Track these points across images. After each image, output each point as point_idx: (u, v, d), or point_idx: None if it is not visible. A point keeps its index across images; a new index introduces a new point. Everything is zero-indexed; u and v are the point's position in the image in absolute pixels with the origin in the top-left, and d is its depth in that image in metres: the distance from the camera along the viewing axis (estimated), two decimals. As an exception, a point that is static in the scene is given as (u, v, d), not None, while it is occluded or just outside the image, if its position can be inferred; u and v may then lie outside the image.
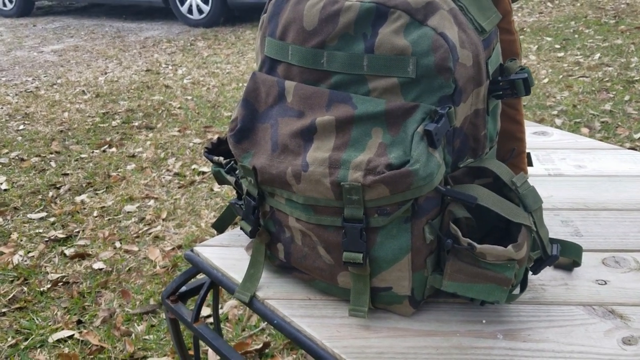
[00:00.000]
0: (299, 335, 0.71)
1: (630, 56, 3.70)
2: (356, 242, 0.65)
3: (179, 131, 2.96)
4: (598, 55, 3.77)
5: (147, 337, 1.45)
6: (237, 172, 0.85)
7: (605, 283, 0.78)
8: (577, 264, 0.79)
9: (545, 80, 3.40)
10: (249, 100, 0.73)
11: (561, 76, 3.45)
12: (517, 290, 0.73)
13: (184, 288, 0.93)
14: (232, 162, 0.86)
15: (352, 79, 0.65)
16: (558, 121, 2.78)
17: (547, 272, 0.80)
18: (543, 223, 0.69)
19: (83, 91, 3.80)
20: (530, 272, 0.77)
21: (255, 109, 0.73)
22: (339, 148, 0.64)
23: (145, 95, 3.62)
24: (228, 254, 0.88)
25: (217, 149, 0.92)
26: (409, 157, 0.61)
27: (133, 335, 1.47)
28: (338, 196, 0.64)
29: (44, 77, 4.25)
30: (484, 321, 0.71)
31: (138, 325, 1.50)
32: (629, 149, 2.48)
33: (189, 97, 3.53)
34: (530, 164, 0.89)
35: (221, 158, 0.87)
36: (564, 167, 1.12)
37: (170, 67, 4.31)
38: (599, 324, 0.70)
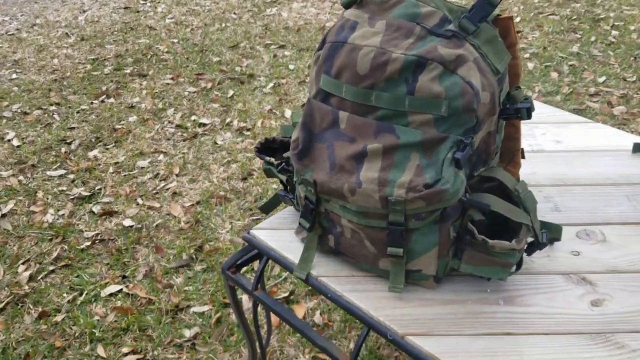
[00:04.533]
0: (350, 306, 0.93)
1: (598, -9, 3.85)
2: (398, 240, 0.86)
3: (172, 79, 3.06)
4: (568, -10, 3.91)
5: (186, 288, 1.66)
6: (288, 173, 1.04)
7: (579, 254, 0.99)
8: (557, 239, 1.02)
9: (518, 19, 3.55)
10: (306, 123, 0.91)
11: (532, 14, 3.60)
12: (514, 269, 0.96)
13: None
14: (283, 163, 1.05)
15: (395, 114, 0.83)
16: (530, 65, 2.97)
17: (535, 247, 1.02)
18: (537, 217, 0.91)
19: (66, 33, 3.80)
20: (524, 254, 0.99)
21: (311, 131, 0.90)
22: (385, 169, 0.83)
23: (130, 39, 3.66)
24: (280, 237, 1.08)
25: (265, 148, 1.10)
26: (439, 176, 0.81)
27: (175, 287, 1.67)
28: (385, 206, 0.84)
29: (21, 15, 4.19)
30: (488, 290, 0.94)
31: (176, 278, 1.70)
32: (593, 93, 2.70)
33: (175, 40, 3.58)
34: (523, 156, 1.10)
35: (272, 159, 1.05)
36: (545, 143, 1.32)
37: (149, 4, 4.28)
38: (574, 289, 0.93)
